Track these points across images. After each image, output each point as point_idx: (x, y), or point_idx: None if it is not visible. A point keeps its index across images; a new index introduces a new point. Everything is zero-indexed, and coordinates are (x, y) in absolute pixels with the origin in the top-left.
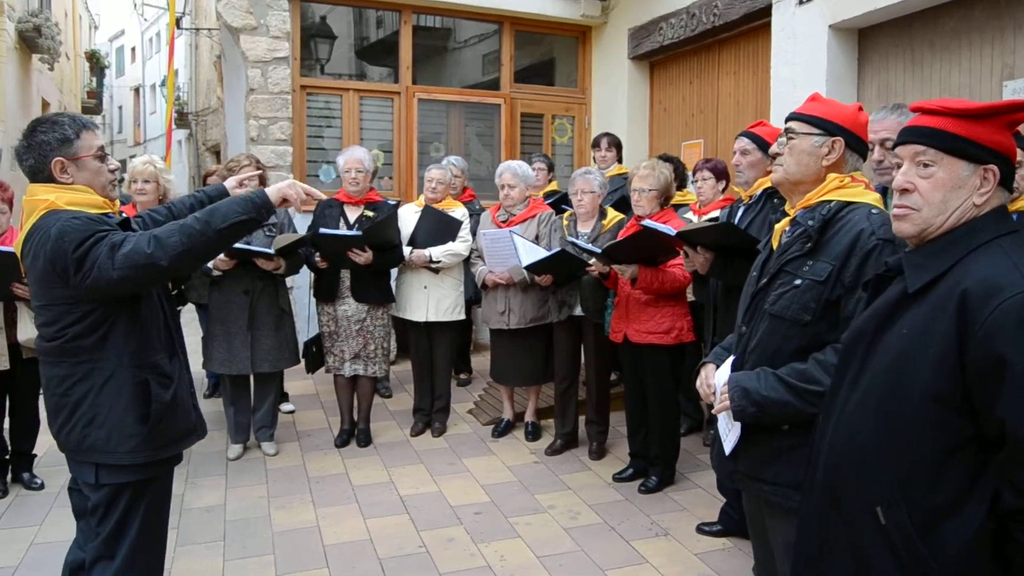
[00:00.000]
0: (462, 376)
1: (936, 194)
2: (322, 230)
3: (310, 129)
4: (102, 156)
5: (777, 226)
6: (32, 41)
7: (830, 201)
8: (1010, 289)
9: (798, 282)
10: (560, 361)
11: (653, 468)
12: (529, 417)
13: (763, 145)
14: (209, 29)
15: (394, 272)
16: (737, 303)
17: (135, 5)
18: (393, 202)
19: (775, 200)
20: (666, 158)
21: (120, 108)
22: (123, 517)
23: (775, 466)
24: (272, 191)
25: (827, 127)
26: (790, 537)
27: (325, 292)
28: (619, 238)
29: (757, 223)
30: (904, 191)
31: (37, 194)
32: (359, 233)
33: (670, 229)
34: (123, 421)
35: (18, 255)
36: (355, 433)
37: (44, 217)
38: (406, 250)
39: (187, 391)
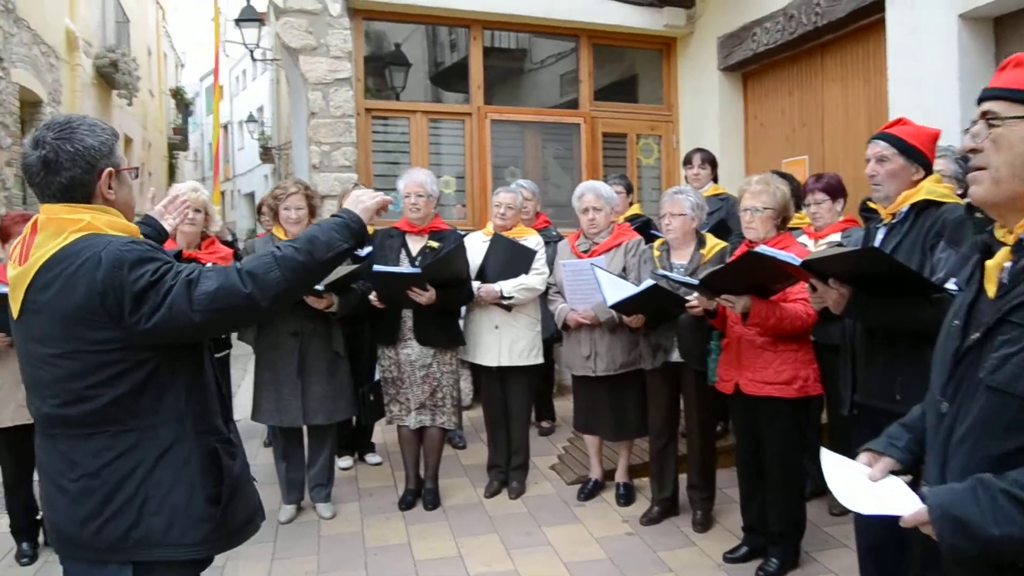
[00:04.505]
0: (544, 424)
1: None
2: (376, 267)
3: (376, 155)
4: (137, 172)
5: (991, 262)
6: (109, 76)
7: None
8: None
9: None
10: (656, 414)
11: (773, 547)
12: (620, 477)
13: (906, 149)
14: None
15: (464, 310)
16: (883, 348)
17: (220, 43)
18: (462, 232)
19: (979, 216)
20: (780, 175)
21: (210, 145)
22: None
23: None
24: (363, 211)
25: None
26: None
27: (385, 333)
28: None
29: (905, 247)
30: None
31: (61, 214)
32: (418, 270)
33: (792, 257)
34: (190, 504)
35: (21, 287)
36: (422, 493)
37: (82, 240)
38: (474, 285)
39: (246, 462)
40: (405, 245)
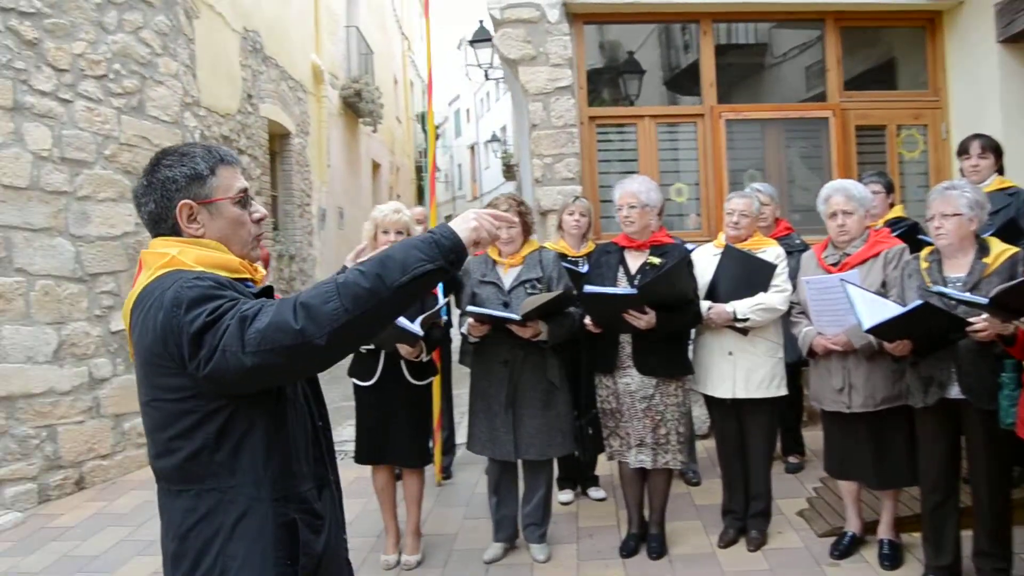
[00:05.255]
0: (791, 460)
1: None
2: (587, 288)
3: (602, 165)
4: (244, 200)
5: None
6: (354, 106)
7: None
8: None
9: None
10: (930, 462)
11: None
12: (884, 532)
13: None
14: None
15: (692, 334)
16: None
17: (466, 70)
18: (691, 245)
19: None
20: None
21: (459, 166)
22: None
23: None
24: (463, 229)
25: None
26: None
27: (602, 361)
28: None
29: None
30: None
31: (155, 247)
32: (634, 291)
33: None
34: None
35: (127, 327)
36: (646, 538)
37: (162, 277)
38: (704, 305)
39: (340, 536)
40: (623, 262)
